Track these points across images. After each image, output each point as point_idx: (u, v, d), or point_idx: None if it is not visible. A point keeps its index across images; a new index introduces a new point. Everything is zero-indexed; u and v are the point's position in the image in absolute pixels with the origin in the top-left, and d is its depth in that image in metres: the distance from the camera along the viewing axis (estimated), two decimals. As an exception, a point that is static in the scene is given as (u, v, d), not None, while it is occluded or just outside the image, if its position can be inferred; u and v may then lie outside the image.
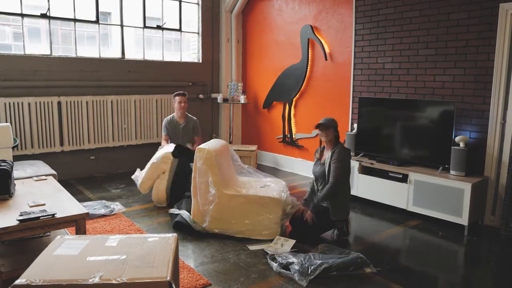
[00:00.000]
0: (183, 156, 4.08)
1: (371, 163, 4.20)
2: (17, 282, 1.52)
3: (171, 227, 3.47)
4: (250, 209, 3.26)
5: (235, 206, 3.27)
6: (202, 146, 3.35)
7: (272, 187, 3.49)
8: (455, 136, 3.74)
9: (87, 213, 2.53)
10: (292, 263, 2.68)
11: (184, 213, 3.46)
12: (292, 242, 3.08)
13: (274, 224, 3.25)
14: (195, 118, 4.76)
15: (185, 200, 3.74)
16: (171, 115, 4.73)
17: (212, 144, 3.47)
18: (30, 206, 2.53)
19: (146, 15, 5.67)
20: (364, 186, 4.23)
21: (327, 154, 3.26)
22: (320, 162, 3.35)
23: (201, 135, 4.81)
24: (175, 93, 4.61)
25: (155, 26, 5.79)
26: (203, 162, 3.27)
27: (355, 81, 4.76)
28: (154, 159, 4.05)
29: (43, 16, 4.79)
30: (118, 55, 5.47)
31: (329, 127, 3.22)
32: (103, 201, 4.08)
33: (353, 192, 4.32)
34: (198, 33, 6.25)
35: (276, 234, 3.24)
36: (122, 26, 5.44)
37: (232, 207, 3.27)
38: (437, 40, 3.98)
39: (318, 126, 3.26)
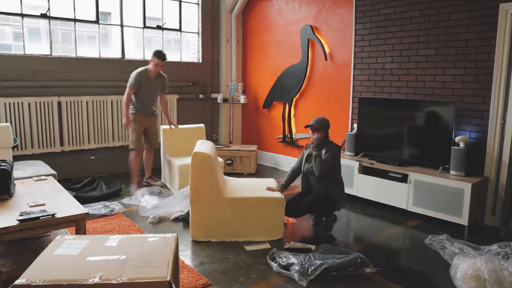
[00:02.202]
0: None
1: (371, 163, 4.20)
2: (17, 282, 1.52)
3: (172, 226, 3.47)
4: (254, 211, 3.23)
5: (238, 210, 3.21)
6: (197, 149, 3.18)
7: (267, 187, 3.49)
8: (455, 136, 3.74)
9: (87, 213, 2.53)
10: (292, 263, 2.68)
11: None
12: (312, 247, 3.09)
13: (279, 223, 3.28)
14: (165, 75, 4.73)
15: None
16: (144, 68, 4.55)
17: (205, 146, 3.33)
18: (30, 206, 2.53)
19: (146, 15, 5.67)
20: (364, 186, 4.23)
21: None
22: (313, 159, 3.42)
23: (167, 93, 4.85)
24: (158, 53, 4.45)
25: (155, 26, 5.79)
26: (202, 167, 3.12)
27: (355, 81, 4.76)
28: None
29: (43, 16, 4.79)
30: (118, 55, 5.47)
31: (319, 128, 3.37)
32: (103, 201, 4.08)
33: (353, 192, 4.33)
34: (198, 33, 6.25)
35: (281, 232, 3.29)
36: (122, 26, 5.44)
37: (235, 212, 3.21)
38: (437, 40, 3.98)
39: (308, 126, 3.42)
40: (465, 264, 2.52)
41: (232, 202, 3.20)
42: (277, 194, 3.31)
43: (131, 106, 4.54)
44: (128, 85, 4.48)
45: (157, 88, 4.65)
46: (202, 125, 5.17)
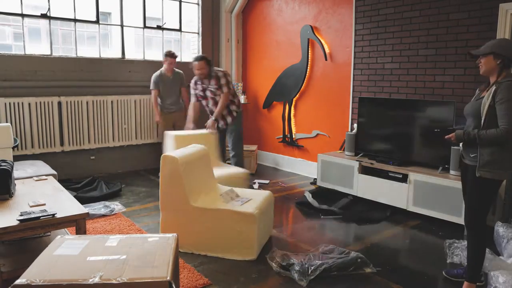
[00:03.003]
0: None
1: (371, 163, 4.20)
2: (18, 282, 1.52)
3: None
4: (224, 225, 2.91)
5: (207, 222, 2.94)
6: (168, 153, 3.03)
7: (253, 200, 3.11)
8: (455, 136, 3.73)
9: (87, 213, 2.53)
10: (292, 263, 2.68)
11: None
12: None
13: (251, 242, 2.88)
14: (181, 71, 5.29)
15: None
16: (159, 70, 5.15)
17: (183, 150, 3.16)
18: (31, 206, 2.53)
19: (146, 15, 5.67)
20: (364, 186, 4.23)
21: (490, 89, 2.35)
22: (479, 97, 2.47)
23: (186, 86, 5.21)
24: (169, 53, 5.07)
25: (155, 26, 5.79)
26: (168, 171, 2.96)
27: (355, 81, 4.76)
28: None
29: (43, 16, 4.79)
30: (118, 55, 5.48)
31: (486, 53, 2.37)
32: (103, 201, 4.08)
33: (353, 192, 4.33)
34: (198, 33, 6.26)
35: (254, 253, 2.89)
36: (122, 26, 5.44)
37: (204, 223, 2.94)
38: (437, 40, 3.98)
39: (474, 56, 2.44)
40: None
41: (200, 212, 2.93)
42: (248, 209, 2.91)
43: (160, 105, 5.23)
44: (150, 87, 5.16)
45: (174, 85, 5.19)
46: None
